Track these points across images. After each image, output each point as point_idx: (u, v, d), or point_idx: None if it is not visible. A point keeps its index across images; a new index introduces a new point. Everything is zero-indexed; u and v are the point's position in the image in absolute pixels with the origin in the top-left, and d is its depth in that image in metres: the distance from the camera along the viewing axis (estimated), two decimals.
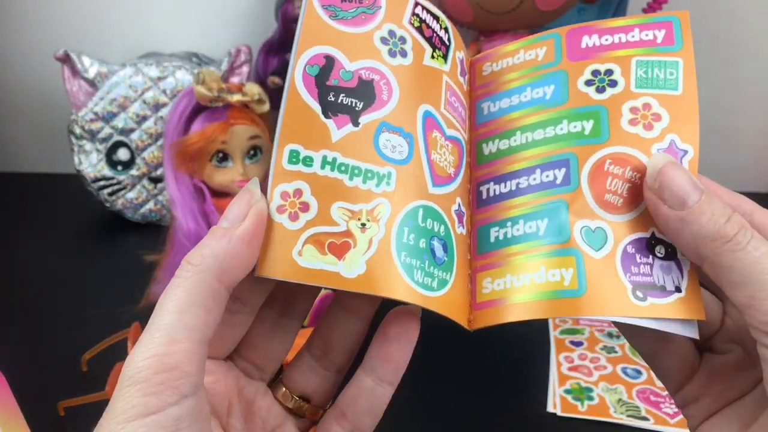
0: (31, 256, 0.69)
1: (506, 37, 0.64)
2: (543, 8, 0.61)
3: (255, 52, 0.75)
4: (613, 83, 0.27)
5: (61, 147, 0.76)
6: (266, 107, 0.63)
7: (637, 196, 0.26)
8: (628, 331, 0.29)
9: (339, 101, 0.25)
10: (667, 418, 0.46)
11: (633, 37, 0.28)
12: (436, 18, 0.29)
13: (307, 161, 0.25)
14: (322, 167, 0.25)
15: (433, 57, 0.28)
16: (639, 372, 0.51)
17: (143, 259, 0.64)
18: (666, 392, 0.49)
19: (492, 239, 0.27)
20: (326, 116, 0.25)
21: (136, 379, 0.20)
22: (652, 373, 0.51)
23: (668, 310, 0.25)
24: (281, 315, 0.28)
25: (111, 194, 0.73)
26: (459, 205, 0.28)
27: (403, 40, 0.27)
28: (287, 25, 0.73)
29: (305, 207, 0.24)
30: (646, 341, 0.28)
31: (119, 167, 0.73)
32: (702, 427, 0.26)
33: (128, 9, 0.82)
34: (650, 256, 0.25)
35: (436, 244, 0.26)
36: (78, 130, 0.72)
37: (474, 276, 0.27)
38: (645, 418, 0.46)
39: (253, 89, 0.62)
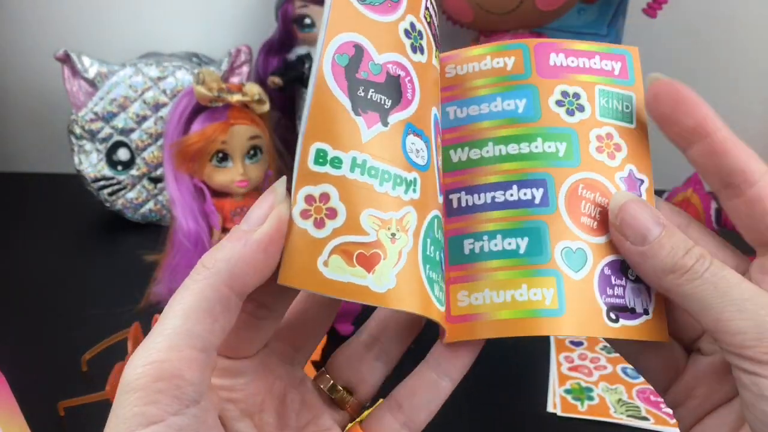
0: (31, 256, 0.69)
1: (506, 38, 0.64)
2: (543, 8, 0.61)
3: (255, 52, 0.75)
4: (581, 108, 0.27)
5: (61, 147, 0.76)
6: (266, 107, 0.63)
7: (608, 221, 0.26)
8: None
9: (369, 97, 0.23)
10: (667, 418, 0.46)
11: (595, 64, 0.28)
12: (437, 15, 0.28)
13: (336, 162, 0.23)
14: (352, 170, 0.23)
15: (436, 56, 0.27)
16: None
17: (143, 259, 0.64)
18: None
19: (466, 251, 0.27)
20: (356, 113, 0.23)
21: (135, 386, 0.19)
22: None
23: (637, 331, 0.26)
24: None
25: (111, 194, 0.73)
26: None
27: (421, 35, 0.26)
28: (287, 25, 0.73)
29: (332, 213, 0.22)
30: (625, 344, 0.29)
31: (119, 167, 0.73)
32: (692, 431, 0.26)
33: (128, 9, 0.82)
34: (623, 278, 0.26)
35: (442, 257, 0.26)
36: (78, 130, 0.72)
37: (447, 287, 0.26)
38: (645, 418, 0.46)
39: (253, 89, 0.62)
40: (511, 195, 0.26)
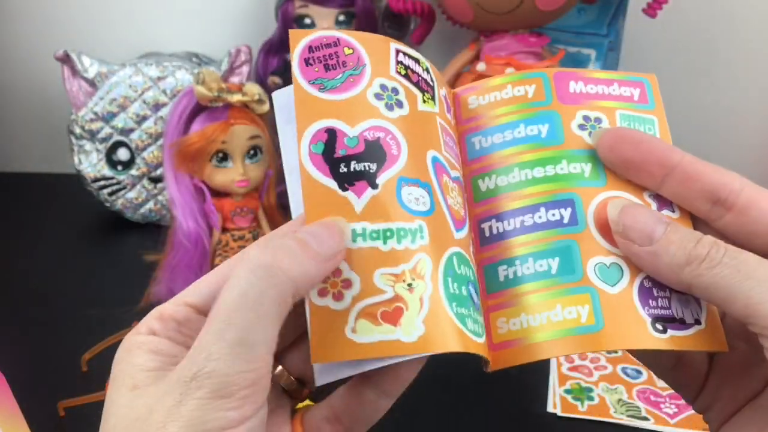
0: (30, 256, 0.69)
1: (506, 37, 0.64)
2: (543, 8, 0.60)
3: (255, 52, 0.75)
4: None
5: (61, 147, 0.76)
6: (266, 107, 0.63)
7: None
8: (643, 356, 0.30)
9: (352, 169, 0.25)
10: (667, 418, 0.46)
11: (614, 90, 0.29)
12: (416, 61, 0.28)
13: None
14: (354, 240, 0.24)
15: (424, 101, 0.28)
16: (639, 372, 0.51)
17: (143, 259, 0.64)
18: (666, 392, 0.49)
19: (501, 278, 0.27)
20: (343, 189, 0.25)
21: (220, 393, 0.20)
22: (652, 374, 0.51)
23: (689, 342, 0.25)
24: None
25: (111, 194, 0.73)
26: (472, 245, 0.28)
27: (395, 91, 0.27)
28: (287, 25, 0.73)
29: (347, 284, 0.24)
30: (659, 361, 0.29)
31: (119, 167, 0.73)
32: (721, 430, 0.26)
33: (128, 9, 0.82)
34: (667, 290, 0.26)
35: (471, 289, 0.26)
36: (78, 130, 0.72)
37: (487, 316, 0.27)
38: (645, 418, 0.46)
39: (253, 89, 0.62)
40: (540, 217, 0.27)
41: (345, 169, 0.25)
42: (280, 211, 0.69)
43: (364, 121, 0.26)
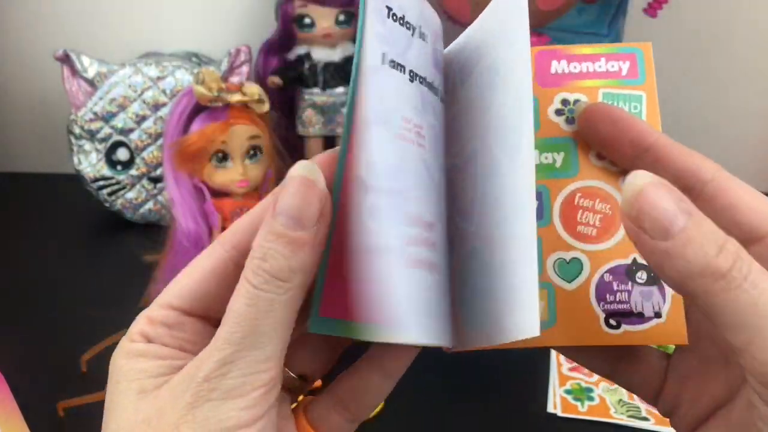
0: (30, 256, 0.69)
1: None
2: (543, 8, 0.60)
3: (255, 52, 0.75)
4: None
5: (60, 147, 0.76)
6: (266, 107, 0.63)
7: (611, 226, 0.26)
8: (575, 356, 0.29)
9: None
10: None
11: (600, 67, 0.28)
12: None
13: None
14: None
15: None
16: None
17: (143, 259, 0.64)
18: None
19: None
20: None
21: (234, 393, 0.21)
22: None
23: (645, 336, 0.25)
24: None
25: (110, 194, 0.73)
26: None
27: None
28: (287, 24, 0.73)
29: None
30: (600, 364, 0.28)
31: (119, 167, 0.73)
32: None
33: (128, 9, 0.82)
34: (629, 283, 0.26)
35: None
36: (77, 130, 0.72)
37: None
38: (645, 419, 0.46)
39: (253, 89, 0.62)
40: None
41: None
42: None
43: None
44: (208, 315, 0.24)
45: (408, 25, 0.24)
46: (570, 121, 0.27)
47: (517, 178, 0.23)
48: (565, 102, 0.27)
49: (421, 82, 0.24)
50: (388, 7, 0.24)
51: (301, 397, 0.28)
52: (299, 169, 0.22)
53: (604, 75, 0.28)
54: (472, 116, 0.26)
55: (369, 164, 0.22)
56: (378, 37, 0.23)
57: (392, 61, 0.23)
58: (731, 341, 0.20)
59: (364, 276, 0.22)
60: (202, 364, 0.21)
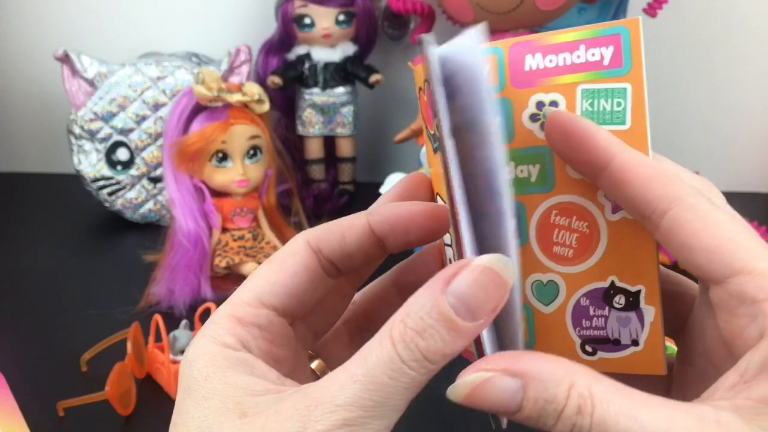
0: (30, 256, 0.69)
1: (506, 37, 0.64)
2: (543, 8, 0.60)
3: (255, 52, 0.75)
4: None
5: (60, 147, 0.76)
6: (266, 107, 0.63)
7: (588, 246, 0.24)
8: None
9: None
10: None
11: (579, 57, 0.24)
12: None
13: None
14: None
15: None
16: None
17: (143, 259, 0.64)
18: None
19: None
20: None
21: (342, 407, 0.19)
22: None
23: (621, 364, 0.24)
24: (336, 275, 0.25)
25: (110, 194, 0.73)
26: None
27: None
28: (287, 24, 0.73)
29: None
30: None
31: (119, 167, 0.73)
32: None
33: (128, 9, 0.82)
34: (606, 308, 0.24)
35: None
36: (77, 130, 0.72)
37: None
38: None
39: (253, 89, 0.62)
40: None
41: None
42: (280, 212, 0.69)
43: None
44: (295, 317, 0.23)
45: None
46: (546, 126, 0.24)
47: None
48: (540, 105, 0.24)
49: None
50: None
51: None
52: (490, 258, 0.20)
53: (583, 67, 0.24)
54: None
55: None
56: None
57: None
58: (710, 270, 0.20)
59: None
60: (322, 415, 0.19)
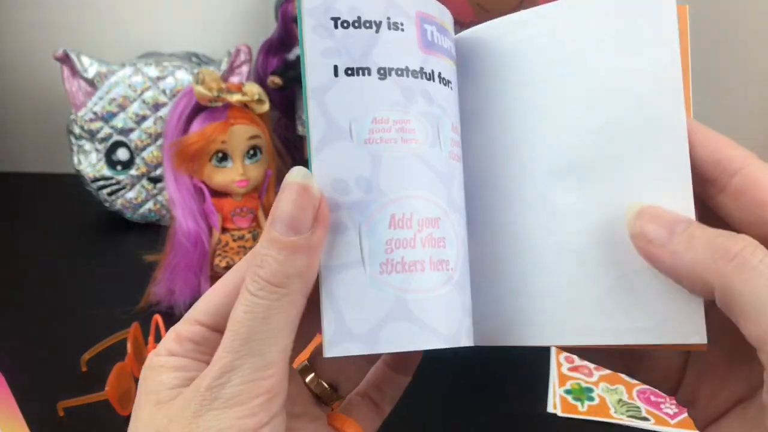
0: (30, 256, 0.69)
1: None
2: None
3: (255, 52, 0.75)
4: None
5: (60, 147, 0.76)
6: (266, 107, 0.63)
7: None
8: (592, 356, 0.29)
9: None
10: (667, 419, 0.46)
11: None
12: None
13: None
14: None
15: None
16: None
17: (143, 259, 0.64)
18: None
19: None
20: None
21: (234, 401, 0.21)
22: None
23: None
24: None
25: (110, 194, 0.73)
26: None
27: None
28: (287, 24, 0.73)
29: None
30: (617, 362, 0.28)
31: (119, 167, 0.73)
32: (707, 430, 0.25)
33: (128, 9, 0.82)
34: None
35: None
36: (77, 130, 0.72)
37: None
38: (645, 419, 0.46)
39: (253, 89, 0.62)
40: None
41: None
42: None
43: None
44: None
45: (368, 24, 0.24)
46: None
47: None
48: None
49: (400, 74, 0.24)
50: (333, 18, 0.23)
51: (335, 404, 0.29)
52: (293, 175, 0.22)
53: None
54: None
55: (334, 182, 0.23)
56: (325, 53, 0.23)
57: (349, 69, 0.23)
58: (750, 332, 0.19)
59: (339, 293, 0.23)
60: (206, 373, 0.22)
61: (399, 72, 0.24)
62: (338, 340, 0.23)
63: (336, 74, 0.23)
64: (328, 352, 0.23)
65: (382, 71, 0.24)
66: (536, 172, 0.25)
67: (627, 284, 0.23)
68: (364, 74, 0.23)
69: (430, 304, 0.23)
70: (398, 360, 0.29)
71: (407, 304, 0.23)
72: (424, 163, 0.24)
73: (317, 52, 0.23)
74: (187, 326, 0.25)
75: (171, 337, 0.25)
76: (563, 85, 0.25)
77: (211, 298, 0.25)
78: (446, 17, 0.27)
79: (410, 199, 0.23)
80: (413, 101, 0.24)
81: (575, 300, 0.24)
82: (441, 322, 0.23)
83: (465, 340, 0.24)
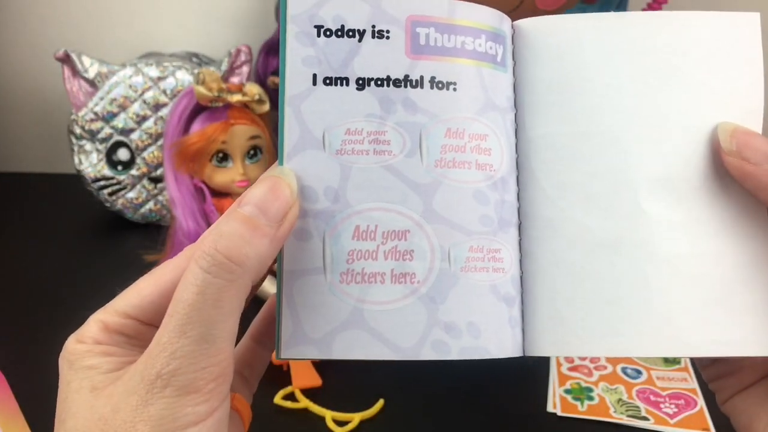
0: (31, 256, 0.69)
1: None
2: (543, 8, 0.60)
3: (255, 52, 0.75)
4: None
5: (61, 147, 0.76)
6: (266, 107, 0.63)
7: None
8: None
9: None
10: (666, 418, 0.46)
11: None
12: None
13: None
14: None
15: None
16: (639, 372, 0.51)
17: (143, 259, 0.64)
18: (666, 392, 0.49)
19: None
20: None
21: (188, 389, 0.20)
22: (652, 373, 0.51)
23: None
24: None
25: (111, 194, 0.73)
26: None
27: None
28: None
29: None
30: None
31: (119, 167, 0.73)
32: (732, 401, 0.26)
33: (128, 9, 0.82)
34: None
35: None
36: (78, 130, 0.72)
37: None
38: (645, 418, 0.46)
39: (253, 89, 0.62)
40: None
41: None
42: None
43: None
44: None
45: (351, 33, 0.24)
46: None
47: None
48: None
49: (380, 84, 0.24)
50: (317, 26, 0.23)
51: None
52: (274, 170, 0.23)
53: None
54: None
55: (303, 189, 0.24)
56: (306, 61, 0.24)
57: (327, 79, 0.24)
58: None
59: (298, 298, 0.23)
60: (154, 359, 0.21)
61: (378, 82, 0.24)
62: (294, 343, 0.23)
63: (314, 83, 0.23)
64: (284, 353, 0.23)
65: (360, 81, 0.24)
66: (632, 179, 0.25)
67: (718, 297, 0.24)
68: (342, 84, 0.24)
69: (386, 316, 0.23)
70: (266, 335, 0.28)
71: (363, 314, 0.23)
72: (395, 174, 0.24)
73: (298, 59, 0.23)
74: (116, 318, 0.24)
75: (96, 327, 0.24)
76: (654, 94, 0.25)
77: (146, 292, 0.24)
78: (459, 14, 0.26)
79: (376, 211, 0.24)
80: (391, 111, 0.24)
81: (667, 311, 0.24)
82: (397, 334, 0.23)
83: (461, 354, 0.24)
